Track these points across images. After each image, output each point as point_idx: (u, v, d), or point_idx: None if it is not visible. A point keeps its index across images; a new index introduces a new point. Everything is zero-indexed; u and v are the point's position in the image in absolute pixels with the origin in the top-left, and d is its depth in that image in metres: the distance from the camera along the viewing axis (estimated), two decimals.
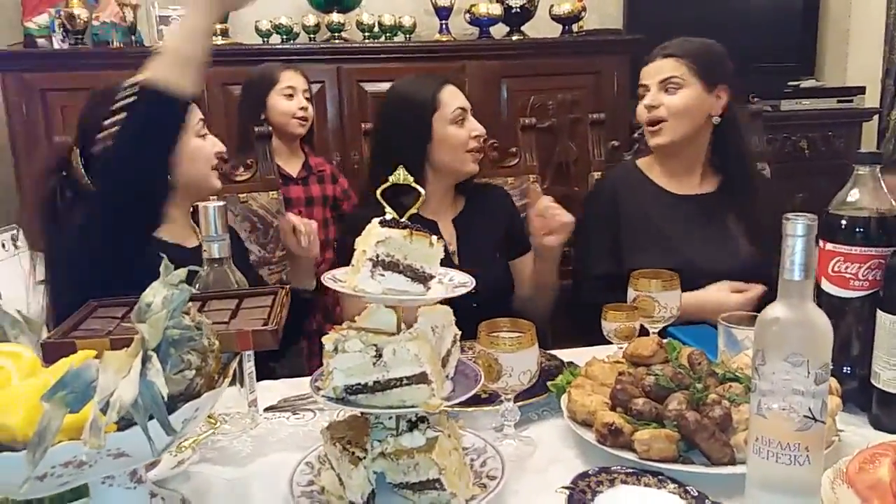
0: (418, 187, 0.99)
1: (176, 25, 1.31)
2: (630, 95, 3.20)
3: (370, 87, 3.07)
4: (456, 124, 1.75)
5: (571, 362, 1.36)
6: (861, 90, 3.60)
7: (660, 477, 0.99)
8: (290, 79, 2.53)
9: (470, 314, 1.13)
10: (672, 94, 1.74)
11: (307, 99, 2.57)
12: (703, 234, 1.77)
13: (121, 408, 0.65)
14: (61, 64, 2.97)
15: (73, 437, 0.70)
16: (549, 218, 1.63)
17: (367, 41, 3.23)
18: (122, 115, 1.26)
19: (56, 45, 3.01)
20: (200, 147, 1.54)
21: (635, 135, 2.18)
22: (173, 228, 1.54)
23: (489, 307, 1.26)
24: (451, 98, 1.75)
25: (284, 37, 3.19)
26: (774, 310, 0.87)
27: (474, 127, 1.77)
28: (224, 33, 3.16)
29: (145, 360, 0.71)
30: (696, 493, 0.95)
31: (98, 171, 1.33)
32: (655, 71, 1.77)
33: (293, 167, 2.57)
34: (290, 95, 2.51)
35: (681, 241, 1.74)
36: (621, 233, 1.79)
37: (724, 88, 1.78)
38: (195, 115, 1.51)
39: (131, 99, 1.26)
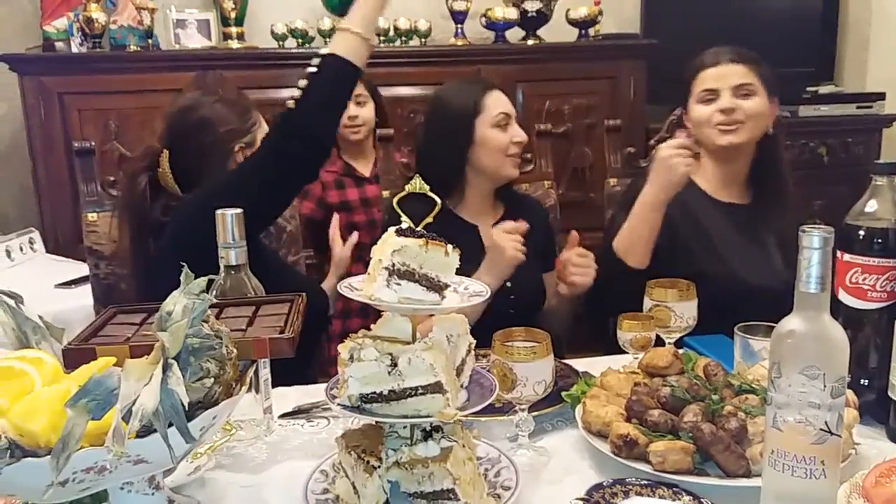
0: (435, 196, 1.00)
1: (351, 11, 1.49)
2: (647, 100, 3.20)
3: (386, 92, 3.07)
4: (499, 128, 1.77)
5: (587, 372, 1.36)
6: (881, 96, 3.57)
7: (675, 489, 0.99)
8: None
9: (506, 320, 1.17)
10: (747, 99, 1.75)
11: (358, 104, 2.55)
12: (744, 243, 1.77)
13: (143, 416, 0.66)
14: (79, 68, 3.00)
15: (95, 443, 0.71)
16: (571, 272, 1.68)
17: (382, 45, 3.24)
18: (306, 81, 1.45)
19: (74, 49, 3.04)
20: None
21: (651, 141, 2.17)
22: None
23: (525, 313, 1.28)
24: (495, 103, 1.79)
25: (300, 40, 3.20)
26: (790, 322, 0.87)
27: (516, 133, 1.79)
28: (240, 37, 3.18)
29: (166, 369, 0.72)
30: None
31: (276, 128, 1.50)
32: (726, 76, 1.76)
33: (365, 167, 2.62)
34: None
35: (725, 247, 1.74)
36: (664, 231, 1.73)
37: (776, 101, 1.80)
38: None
39: (315, 69, 1.45)
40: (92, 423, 0.69)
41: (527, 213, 1.89)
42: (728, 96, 1.74)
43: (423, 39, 3.28)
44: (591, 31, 3.35)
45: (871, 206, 1.16)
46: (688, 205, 1.77)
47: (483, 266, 1.65)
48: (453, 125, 1.78)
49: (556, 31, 3.38)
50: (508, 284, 1.67)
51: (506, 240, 1.65)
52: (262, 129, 1.69)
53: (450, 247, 0.96)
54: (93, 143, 1.91)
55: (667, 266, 1.58)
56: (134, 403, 0.67)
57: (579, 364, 1.43)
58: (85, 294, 1.95)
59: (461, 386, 1.01)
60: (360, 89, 2.55)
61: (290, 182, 1.51)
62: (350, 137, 2.56)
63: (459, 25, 3.30)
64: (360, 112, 2.56)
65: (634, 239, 1.67)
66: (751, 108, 1.74)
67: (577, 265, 1.67)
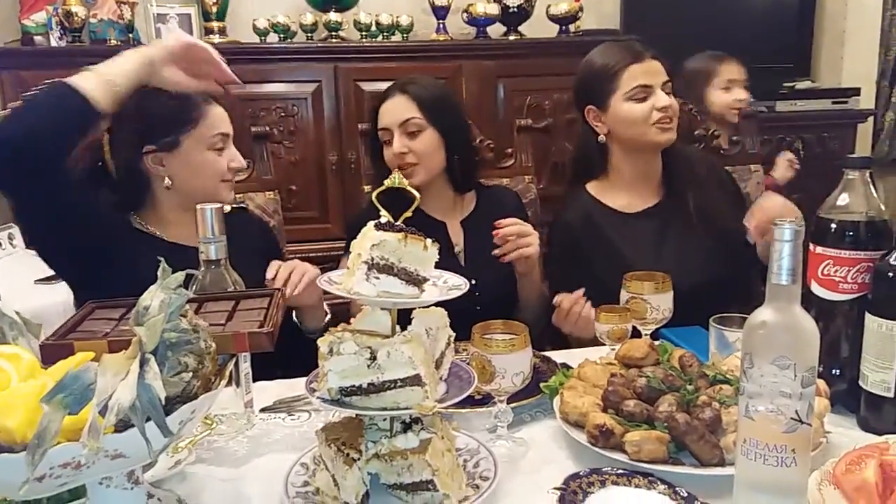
0: (414, 191, 1.01)
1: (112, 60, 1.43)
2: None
3: (367, 87, 3.08)
4: (386, 144, 1.78)
5: (565, 363, 1.37)
6: (856, 91, 3.62)
7: (650, 478, 1.00)
8: None
9: (473, 316, 1.16)
10: (671, 96, 1.73)
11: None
12: (667, 245, 1.75)
13: (119, 411, 0.66)
14: (58, 62, 2.95)
15: (72, 438, 0.71)
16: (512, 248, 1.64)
17: (364, 40, 3.23)
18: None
19: (53, 43, 3.01)
20: (211, 161, 1.58)
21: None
22: (175, 229, 1.60)
23: (492, 310, 1.27)
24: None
25: (282, 35, 3.19)
26: (762, 313, 0.89)
27: (398, 146, 1.75)
28: (221, 31, 3.16)
29: (143, 363, 0.72)
30: (686, 494, 0.97)
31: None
32: (656, 72, 1.73)
33: None
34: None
35: (646, 261, 1.63)
36: (590, 266, 1.73)
37: None
38: (211, 128, 1.56)
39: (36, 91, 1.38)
40: (69, 419, 0.69)
41: (498, 204, 1.89)
42: (661, 93, 1.70)
43: (405, 35, 3.28)
44: (572, 28, 3.36)
45: (843, 199, 1.18)
46: (601, 230, 1.76)
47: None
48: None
49: (537, 27, 3.40)
50: (474, 282, 1.64)
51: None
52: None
53: (429, 241, 0.97)
54: None
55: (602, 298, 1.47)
56: (110, 398, 0.67)
57: (557, 356, 1.44)
58: (65, 290, 1.94)
59: (440, 378, 1.02)
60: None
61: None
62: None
63: (441, 21, 3.31)
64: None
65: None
66: (676, 104, 1.73)
67: (516, 236, 1.63)
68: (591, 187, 1.84)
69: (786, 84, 3.68)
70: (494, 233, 1.64)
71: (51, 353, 0.87)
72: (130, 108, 1.48)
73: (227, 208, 1.68)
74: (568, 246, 1.76)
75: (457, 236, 1.83)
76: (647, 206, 1.80)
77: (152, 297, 0.78)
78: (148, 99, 1.51)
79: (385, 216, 0.98)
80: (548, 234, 1.85)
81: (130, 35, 3.07)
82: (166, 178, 1.56)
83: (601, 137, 1.78)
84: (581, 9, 3.33)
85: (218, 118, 1.59)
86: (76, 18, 2.96)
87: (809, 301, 1.19)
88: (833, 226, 1.18)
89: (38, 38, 3.02)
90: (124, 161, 1.58)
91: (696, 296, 1.45)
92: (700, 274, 1.66)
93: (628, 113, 1.71)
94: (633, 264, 1.53)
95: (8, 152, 1.33)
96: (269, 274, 1.50)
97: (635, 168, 1.80)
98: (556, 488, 0.98)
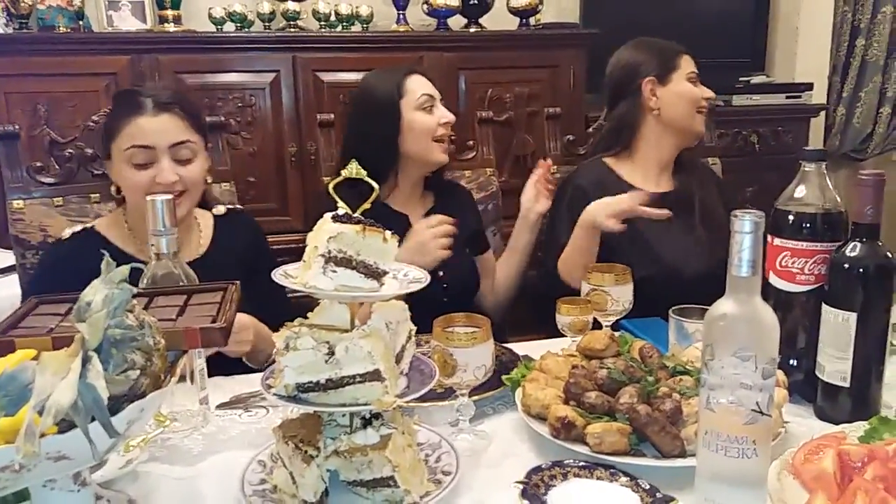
0: (372, 182, 0.98)
1: None
2: (586, 89, 3.23)
3: (326, 77, 3.03)
4: (423, 111, 1.74)
5: (527, 355, 1.37)
6: (809, 86, 3.68)
7: (612, 470, 1.00)
8: None
9: (439, 308, 1.16)
10: None
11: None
12: (676, 231, 1.80)
13: (57, 412, 0.63)
14: (5, 49, 2.86)
15: (10, 440, 0.68)
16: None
17: (322, 30, 3.18)
18: None
19: (0, 30, 2.90)
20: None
21: (590, 129, 2.19)
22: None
23: (458, 301, 1.27)
24: (417, 85, 1.75)
25: (238, 24, 3.12)
26: (723, 305, 0.89)
27: (443, 114, 1.76)
28: (176, 20, 3.08)
29: (85, 361, 0.68)
30: (648, 486, 0.97)
31: None
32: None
33: None
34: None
35: (658, 240, 1.76)
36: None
37: None
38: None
39: None
40: (5, 420, 0.66)
41: (456, 199, 1.90)
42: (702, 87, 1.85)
43: (364, 25, 3.24)
44: (532, 21, 3.36)
45: (800, 191, 1.20)
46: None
47: (403, 258, 1.61)
48: (378, 111, 1.74)
49: (498, 20, 3.38)
50: (441, 273, 1.65)
51: (429, 236, 1.62)
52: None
53: (388, 233, 0.95)
54: (18, 127, 1.82)
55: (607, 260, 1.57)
56: (48, 399, 0.63)
57: (519, 348, 1.44)
58: (11, 284, 1.87)
59: (401, 373, 1.00)
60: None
61: None
62: None
63: (401, 12, 3.27)
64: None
65: (577, 262, 1.66)
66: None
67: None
68: (608, 161, 1.89)
69: (741, 78, 3.73)
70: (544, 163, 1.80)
71: None
72: None
73: (222, 209, 1.67)
74: (576, 208, 1.75)
75: (414, 234, 1.80)
76: (660, 190, 1.86)
77: (95, 293, 0.74)
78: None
79: (343, 208, 0.96)
80: (555, 196, 1.89)
81: (80, 22, 2.97)
82: (115, 186, 1.55)
83: (654, 112, 1.83)
84: (541, 2, 3.32)
85: (139, 130, 1.47)
86: (23, 4, 2.85)
87: (767, 292, 1.20)
88: (790, 217, 1.19)
89: None
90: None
91: (695, 284, 1.48)
92: (700, 263, 1.75)
93: (687, 92, 1.82)
94: (643, 235, 1.71)
95: None
96: None
97: (661, 153, 1.88)
98: (518, 482, 0.97)
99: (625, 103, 1.87)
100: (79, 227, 1.56)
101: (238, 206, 1.84)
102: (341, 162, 1.82)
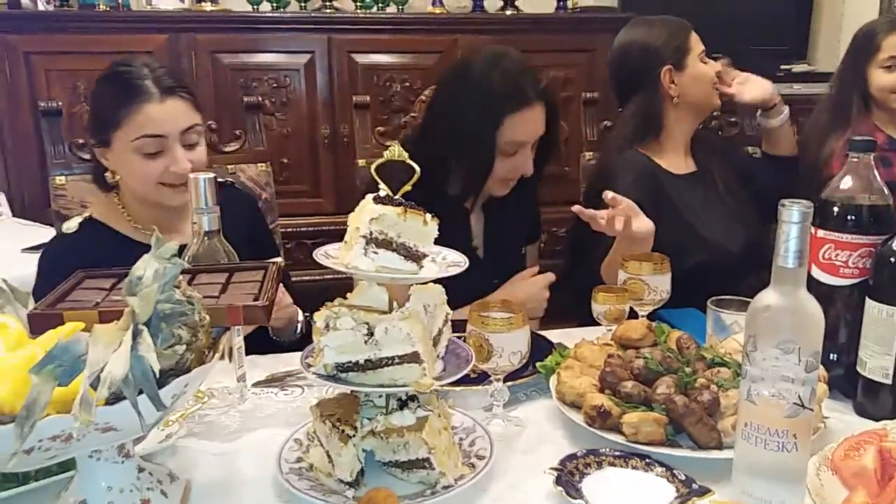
0: (414, 165, 0.98)
1: None
2: None
3: (361, 59, 3.03)
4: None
5: (561, 343, 1.36)
6: None
7: (647, 460, 1.00)
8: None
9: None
10: None
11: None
12: (711, 209, 1.82)
13: (112, 383, 0.64)
14: (46, 26, 2.91)
15: (62, 410, 0.69)
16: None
17: (358, 11, 3.18)
18: None
19: (41, 7, 2.95)
20: (138, 165, 1.46)
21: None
22: (128, 225, 1.55)
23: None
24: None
25: (275, 5, 3.14)
26: (767, 296, 0.87)
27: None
28: (213, 0, 3.10)
29: (136, 335, 0.70)
30: (684, 477, 0.96)
31: None
32: None
33: None
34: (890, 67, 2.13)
35: (696, 218, 1.78)
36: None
37: None
38: (137, 130, 1.44)
39: None
40: (58, 390, 0.67)
41: (518, 188, 1.85)
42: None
43: (400, 7, 3.23)
44: (570, 4, 3.33)
45: (846, 182, 1.17)
46: (662, 189, 1.78)
47: (508, 293, 1.58)
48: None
49: (535, 2, 3.36)
50: (491, 267, 1.67)
51: (544, 297, 1.62)
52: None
53: (428, 216, 0.94)
54: (60, 104, 1.85)
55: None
56: (102, 370, 0.65)
57: (553, 335, 1.43)
58: None
59: (437, 356, 1.01)
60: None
61: None
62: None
63: None
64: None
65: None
66: None
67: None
68: (643, 150, 1.86)
69: (783, 67, 3.66)
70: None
71: (39, 323, 0.84)
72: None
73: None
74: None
75: (477, 221, 1.76)
76: (689, 171, 1.88)
77: (146, 267, 0.75)
78: (96, 87, 1.52)
79: (384, 189, 0.96)
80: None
81: (119, 1, 3.01)
82: (111, 173, 1.53)
83: (674, 99, 1.82)
84: None
85: (149, 119, 1.44)
86: None
87: (809, 285, 1.18)
88: (836, 209, 1.17)
89: (25, 2, 2.95)
90: (89, 145, 1.58)
91: (742, 259, 1.47)
92: (741, 236, 1.79)
93: (703, 73, 1.83)
94: (686, 220, 1.72)
95: None
96: None
97: (685, 135, 1.89)
98: (552, 468, 0.97)
99: (644, 94, 1.83)
100: (80, 218, 1.55)
101: (230, 180, 1.83)
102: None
